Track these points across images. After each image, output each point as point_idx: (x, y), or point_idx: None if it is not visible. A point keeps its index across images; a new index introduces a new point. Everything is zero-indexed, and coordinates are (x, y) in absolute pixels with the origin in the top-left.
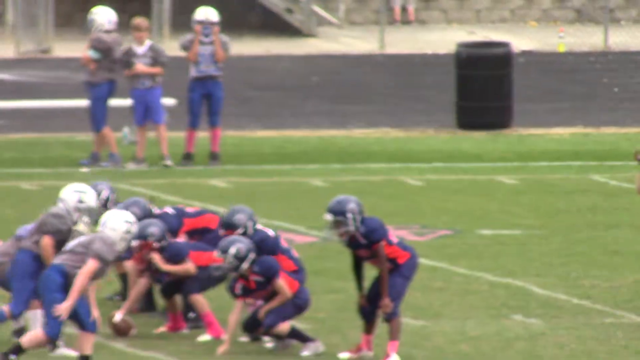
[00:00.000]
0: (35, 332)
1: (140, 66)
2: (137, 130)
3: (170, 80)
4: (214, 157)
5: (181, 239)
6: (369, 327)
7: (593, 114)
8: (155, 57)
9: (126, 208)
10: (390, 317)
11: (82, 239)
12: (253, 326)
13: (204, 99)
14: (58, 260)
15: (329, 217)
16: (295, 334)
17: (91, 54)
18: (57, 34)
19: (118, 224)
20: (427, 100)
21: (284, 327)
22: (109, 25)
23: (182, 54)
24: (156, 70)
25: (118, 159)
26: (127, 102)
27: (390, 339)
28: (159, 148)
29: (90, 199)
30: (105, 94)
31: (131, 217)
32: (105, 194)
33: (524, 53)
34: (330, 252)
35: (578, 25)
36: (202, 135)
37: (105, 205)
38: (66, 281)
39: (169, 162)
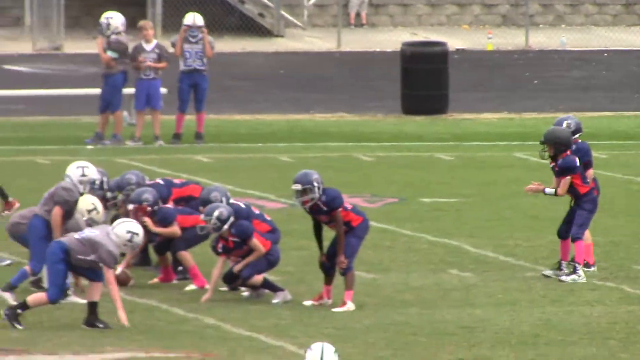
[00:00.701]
0: (40, 294)
1: (149, 62)
2: (136, 114)
3: (162, 72)
4: (198, 136)
5: (169, 205)
6: (328, 279)
7: (516, 102)
8: (161, 54)
9: (124, 176)
10: (346, 272)
11: (93, 236)
12: (232, 278)
13: (191, 89)
14: (65, 239)
15: (297, 186)
16: (267, 285)
17: (111, 54)
18: (67, 34)
19: (122, 234)
20: (377, 89)
21: (258, 278)
22: (122, 28)
23: (172, 50)
24: (163, 65)
25: (120, 138)
26: (128, 90)
27: (346, 289)
28: (153, 129)
29: (92, 172)
30: (120, 83)
31: (137, 229)
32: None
33: (458, 51)
34: (296, 216)
35: (504, 28)
36: (189, 118)
37: (101, 188)
38: (66, 258)
39: (160, 142)
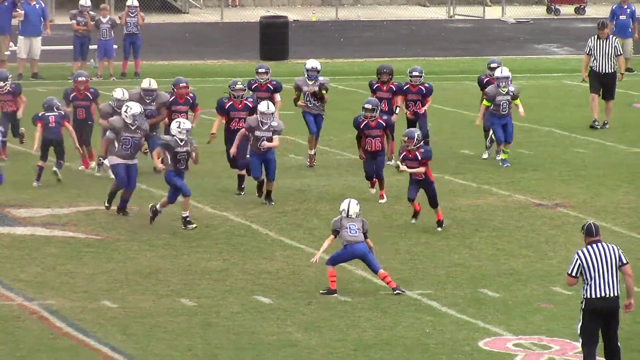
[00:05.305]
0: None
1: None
2: (98, 61)
3: (115, 35)
4: (136, 74)
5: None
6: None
7: (330, 53)
8: (112, 24)
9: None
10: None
11: None
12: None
13: (131, 45)
14: None
15: (368, 105)
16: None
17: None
18: (57, 12)
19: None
20: (245, 45)
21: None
22: (89, 7)
23: (119, 21)
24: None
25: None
26: (94, 46)
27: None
28: (109, 70)
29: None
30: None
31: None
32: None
33: (295, 22)
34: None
35: (323, 7)
36: (130, 64)
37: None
38: None
39: (113, 78)
